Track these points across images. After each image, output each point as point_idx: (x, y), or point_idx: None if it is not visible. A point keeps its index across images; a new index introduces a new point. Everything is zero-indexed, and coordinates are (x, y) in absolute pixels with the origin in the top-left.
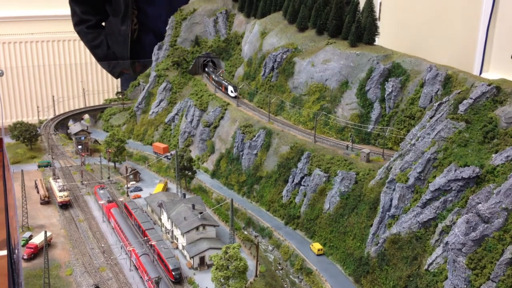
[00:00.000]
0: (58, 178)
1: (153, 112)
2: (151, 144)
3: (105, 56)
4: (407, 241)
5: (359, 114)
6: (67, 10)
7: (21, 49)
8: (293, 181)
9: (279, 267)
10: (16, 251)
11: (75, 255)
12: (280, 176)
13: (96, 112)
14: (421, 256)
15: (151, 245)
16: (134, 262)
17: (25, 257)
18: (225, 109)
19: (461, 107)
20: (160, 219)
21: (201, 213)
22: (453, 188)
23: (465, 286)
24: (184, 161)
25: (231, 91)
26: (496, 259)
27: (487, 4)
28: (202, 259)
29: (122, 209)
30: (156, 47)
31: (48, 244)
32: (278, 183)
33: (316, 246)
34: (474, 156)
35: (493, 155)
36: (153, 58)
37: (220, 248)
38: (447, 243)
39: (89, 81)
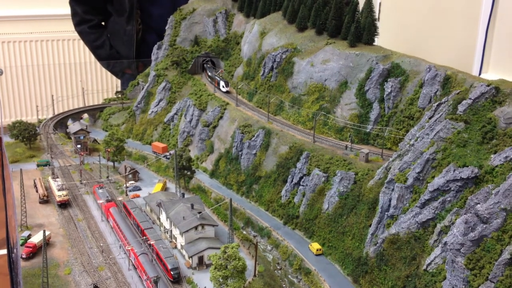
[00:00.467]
0: (57, 177)
1: (152, 111)
2: (150, 144)
3: (108, 56)
4: (406, 241)
5: (358, 114)
6: (66, 10)
7: (21, 48)
8: (292, 181)
9: (278, 267)
10: (15, 250)
11: (74, 254)
12: (279, 176)
13: (95, 112)
14: (419, 256)
15: (149, 245)
16: (133, 262)
17: (24, 256)
18: (224, 109)
19: (460, 108)
20: (159, 219)
21: (200, 212)
22: (452, 189)
23: (463, 286)
24: (183, 161)
25: (223, 86)
26: (494, 259)
27: (487, 5)
28: (200, 259)
29: (121, 208)
30: (156, 46)
31: (46, 243)
32: (277, 183)
33: (315, 246)
34: (473, 157)
35: (492, 155)
36: (153, 57)
37: (219, 248)
38: (445, 243)
39: (88, 80)
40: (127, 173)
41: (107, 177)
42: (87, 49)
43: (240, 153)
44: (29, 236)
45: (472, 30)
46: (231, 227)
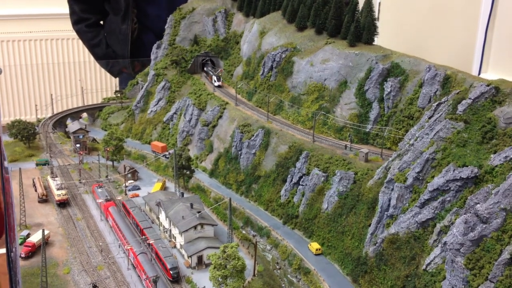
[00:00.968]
0: (56, 177)
1: (151, 111)
2: (149, 143)
3: (104, 55)
4: (405, 241)
5: (358, 114)
6: (65, 9)
7: (20, 48)
8: (291, 180)
9: (277, 267)
10: (14, 249)
11: (73, 254)
12: (278, 175)
13: (94, 111)
14: (419, 256)
15: (149, 244)
16: (132, 261)
17: (23, 255)
18: (224, 108)
19: (460, 107)
20: (158, 218)
21: (199, 212)
22: (452, 188)
23: (463, 286)
24: (182, 160)
25: (214, 81)
26: (494, 259)
27: (486, 5)
28: (200, 258)
29: (120, 207)
30: (155, 46)
31: (45, 242)
32: (276, 183)
33: (314, 245)
34: (472, 157)
35: (492, 155)
36: (152, 57)
37: (218, 247)
38: (445, 243)
39: (87, 79)
40: (126, 173)
41: (106, 176)
42: (85, 48)
43: (239, 152)
44: (28, 235)
45: (472, 29)
46: (231, 227)
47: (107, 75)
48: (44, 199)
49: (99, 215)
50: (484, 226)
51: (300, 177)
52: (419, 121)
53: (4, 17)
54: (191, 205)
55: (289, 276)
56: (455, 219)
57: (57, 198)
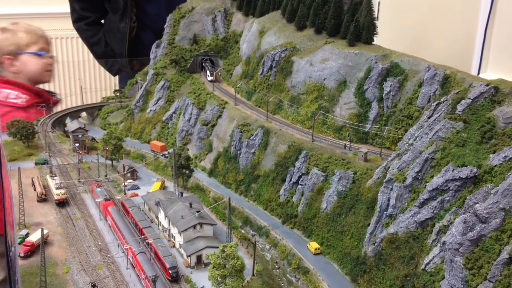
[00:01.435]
0: (55, 176)
1: (150, 110)
2: (148, 143)
3: (103, 53)
4: (404, 241)
5: (357, 114)
6: (65, 8)
7: None
8: (290, 180)
9: (276, 266)
10: (13, 248)
11: (72, 253)
12: (277, 175)
13: (93, 110)
14: (418, 256)
15: (148, 244)
16: (131, 260)
17: (22, 254)
18: (223, 108)
19: (459, 107)
20: (157, 218)
21: (198, 211)
22: (451, 188)
23: (462, 286)
24: (181, 160)
25: (208, 75)
26: (493, 259)
27: (485, 5)
28: (199, 258)
29: (119, 207)
30: (154, 45)
31: (44, 241)
32: (275, 182)
33: (313, 245)
34: (471, 156)
35: (491, 155)
36: (151, 56)
37: (217, 247)
38: (444, 243)
39: (86, 78)
40: (125, 172)
41: (106, 175)
42: (85, 47)
43: (238, 152)
44: (27, 235)
45: (471, 29)
46: (230, 226)
47: (106, 74)
48: (43, 199)
49: (98, 215)
50: (483, 226)
51: (299, 177)
52: (418, 120)
53: (3, 16)
54: (190, 204)
55: (288, 275)
56: (454, 219)
57: (56, 197)
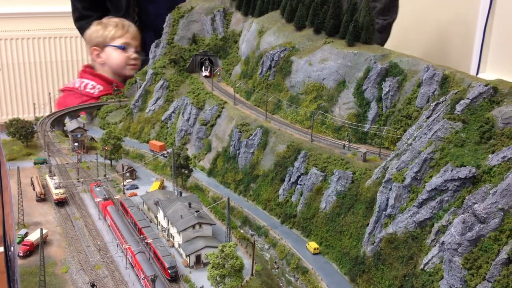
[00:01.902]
0: (54, 176)
1: (149, 110)
2: (147, 142)
3: None
4: (403, 241)
5: (356, 114)
6: (64, 7)
7: (18, 46)
8: (289, 180)
9: (275, 266)
10: (12, 248)
11: (71, 253)
12: (276, 175)
13: (92, 110)
14: (417, 256)
15: (147, 243)
16: (130, 260)
17: (21, 254)
18: (222, 108)
19: (458, 107)
20: (156, 217)
21: (197, 211)
22: (450, 188)
23: (460, 286)
24: (180, 159)
25: (203, 70)
26: (492, 259)
27: (484, 5)
28: (198, 258)
29: (118, 207)
30: (153, 44)
31: (43, 241)
32: (274, 182)
33: (312, 245)
34: (470, 156)
35: (490, 155)
36: (150, 56)
37: (216, 247)
38: (443, 243)
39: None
40: (124, 172)
41: (105, 175)
42: (84, 46)
43: (237, 151)
44: (26, 234)
45: (470, 29)
46: (229, 226)
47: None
48: (42, 198)
49: (97, 214)
50: (481, 226)
51: (298, 177)
52: (417, 121)
53: (3, 15)
54: (189, 204)
55: (287, 275)
56: (453, 219)
57: (55, 197)
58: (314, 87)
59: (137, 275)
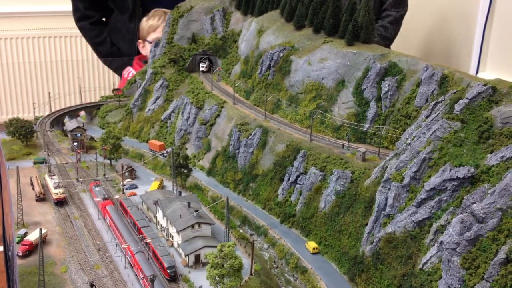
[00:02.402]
0: (54, 175)
1: (149, 109)
2: (147, 142)
3: (109, 53)
4: (402, 240)
5: (355, 113)
6: (64, 6)
7: (17, 45)
8: (289, 179)
9: (274, 266)
10: (11, 248)
11: (70, 253)
12: (276, 174)
13: (92, 109)
14: (415, 256)
15: (146, 243)
16: (129, 260)
17: (20, 254)
18: (222, 107)
19: (457, 107)
20: (155, 217)
21: (196, 211)
22: (448, 188)
23: (459, 286)
24: (180, 159)
25: (201, 66)
26: (490, 259)
27: (484, 4)
28: (197, 257)
29: (117, 206)
30: (153, 44)
31: (43, 241)
32: (274, 182)
33: (311, 244)
34: (469, 156)
35: (488, 155)
36: (150, 55)
37: (215, 246)
38: (441, 242)
39: (85, 77)
40: (123, 171)
41: (104, 175)
42: (84, 46)
43: (237, 151)
44: (25, 234)
45: (470, 28)
46: (228, 226)
47: (105, 73)
48: (42, 198)
49: (96, 214)
50: (480, 225)
51: (298, 176)
52: (416, 120)
53: (2, 14)
54: (189, 204)
55: (286, 275)
56: (452, 219)
57: (54, 196)
58: (313, 86)
59: (136, 274)
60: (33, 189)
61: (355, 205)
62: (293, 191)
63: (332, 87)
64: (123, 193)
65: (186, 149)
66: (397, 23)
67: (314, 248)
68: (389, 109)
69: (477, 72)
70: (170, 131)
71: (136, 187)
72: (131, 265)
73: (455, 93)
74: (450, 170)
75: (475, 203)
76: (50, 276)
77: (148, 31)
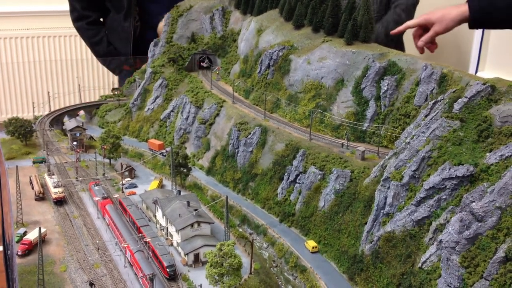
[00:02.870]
0: (53, 174)
1: (148, 108)
2: (146, 141)
3: (106, 53)
4: (401, 239)
5: (355, 112)
6: (63, 6)
7: (17, 45)
8: (288, 178)
9: (274, 264)
10: (11, 247)
11: (70, 252)
12: (275, 173)
13: (91, 109)
14: (415, 254)
15: (145, 242)
16: (129, 259)
17: (19, 253)
18: (221, 106)
19: (456, 106)
20: (155, 216)
21: (196, 210)
22: (447, 187)
23: (458, 284)
24: (179, 158)
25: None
26: (489, 257)
27: None
28: (196, 256)
29: (117, 205)
30: (152, 43)
31: (42, 240)
32: (273, 181)
33: (311, 243)
34: (468, 155)
35: (487, 154)
36: (149, 54)
37: (215, 245)
38: (440, 241)
39: (84, 77)
40: (123, 171)
41: (103, 174)
42: (83, 45)
43: (236, 150)
44: (24, 233)
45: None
46: (227, 225)
47: (104, 73)
48: (41, 197)
49: (96, 213)
50: (479, 224)
51: (297, 175)
52: (416, 119)
53: (1, 14)
54: (188, 203)
55: (285, 274)
56: (451, 218)
57: (54, 196)
58: (312, 85)
59: (135, 273)
60: (33, 188)
61: (354, 204)
62: (293, 190)
63: (331, 86)
64: (123, 192)
65: (186, 148)
66: (409, 11)
67: (313, 247)
68: (388, 108)
69: (476, 71)
70: (169, 130)
71: (136, 186)
72: (130, 264)
73: (454, 92)
74: (450, 169)
75: (474, 201)
76: (50, 275)
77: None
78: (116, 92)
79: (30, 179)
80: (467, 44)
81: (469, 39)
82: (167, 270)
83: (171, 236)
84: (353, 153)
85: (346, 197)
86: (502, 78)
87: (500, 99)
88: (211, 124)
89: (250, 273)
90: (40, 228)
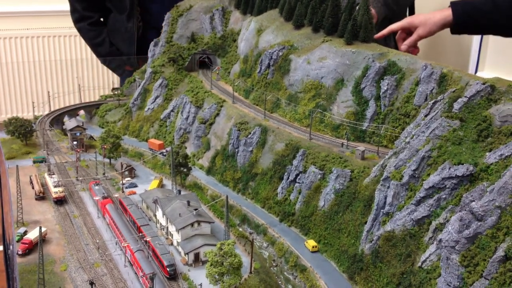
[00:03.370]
0: (53, 174)
1: (148, 108)
2: (146, 141)
3: (108, 53)
4: (401, 239)
5: (354, 112)
6: (63, 6)
7: (17, 45)
8: (288, 178)
9: (274, 264)
10: (11, 246)
11: (70, 251)
12: (275, 173)
13: (91, 108)
14: (414, 254)
15: (146, 241)
16: (129, 258)
17: (20, 252)
18: (221, 106)
19: (456, 106)
20: (155, 216)
21: (196, 209)
22: (447, 186)
23: (458, 283)
24: (179, 158)
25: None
26: (489, 256)
27: None
28: (196, 256)
29: (117, 205)
30: (152, 43)
31: (42, 239)
32: (273, 180)
33: (311, 243)
34: (468, 155)
35: (487, 153)
36: (149, 54)
37: (215, 245)
38: (440, 240)
39: (84, 77)
40: (123, 170)
41: (103, 174)
42: (83, 45)
43: (236, 150)
44: (25, 233)
45: None
46: (227, 224)
47: (104, 73)
48: (41, 197)
49: (96, 213)
50: (479, 223)
51: (297, 175)
52: (415, 119)
53: (1, 14)
54: (188, 202)
55: (285, 273)
56: (451, 217)
57: (54, 195)
58: (312, 85)
59: (135, 273)
60: (33, 188)
61: (354, 204)
62: (293, 189)
63: (331, 86)
64: (123, 191)
65: (186, 148)
66: (412, 4)
67: (313, 247)
68: (388, 108)
69: (476, 71)
70: (169, 130)
71: (136, 186)
72: (130, 263)
73: (454, 91)
74: (449, 169)
75: (474, 201)
76: (50, 275)
77: None
78: (116, 92)
79: (31, 179)
80: (467, 44)
81: (469, 39)
82: (167, 269)
83: (171, 235)
84: (353, 153)
85: (346, 197)
86: (502, 78)
87: (499, 98)
88: (211, 124)
89: (250, 272)
90: (40, 228)
